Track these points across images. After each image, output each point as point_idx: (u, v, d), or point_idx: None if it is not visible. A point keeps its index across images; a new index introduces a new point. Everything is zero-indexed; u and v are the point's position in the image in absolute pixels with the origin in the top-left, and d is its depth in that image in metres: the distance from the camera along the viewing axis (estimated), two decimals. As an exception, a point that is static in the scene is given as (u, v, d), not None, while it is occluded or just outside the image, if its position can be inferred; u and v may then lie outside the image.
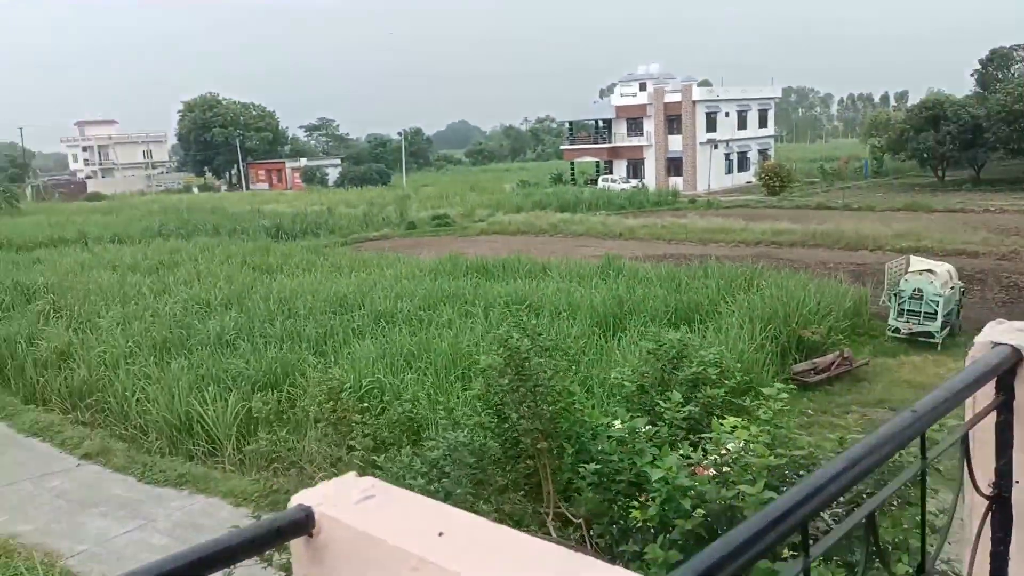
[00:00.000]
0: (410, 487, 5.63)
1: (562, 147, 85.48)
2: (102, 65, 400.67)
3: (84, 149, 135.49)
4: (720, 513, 4.80)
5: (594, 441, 5.66)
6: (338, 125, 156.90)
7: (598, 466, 5.32)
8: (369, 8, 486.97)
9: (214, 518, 11.59)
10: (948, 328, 21.74)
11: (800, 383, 18.70)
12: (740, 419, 6.30)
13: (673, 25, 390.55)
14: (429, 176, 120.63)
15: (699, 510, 4.55)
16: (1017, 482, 1.88)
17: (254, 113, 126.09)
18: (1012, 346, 1.85)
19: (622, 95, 74.28)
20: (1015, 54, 77.25)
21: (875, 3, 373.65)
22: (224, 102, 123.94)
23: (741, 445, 4.91)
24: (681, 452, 5.16)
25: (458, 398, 16.03)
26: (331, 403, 7.70)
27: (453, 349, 18.24)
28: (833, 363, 19.13)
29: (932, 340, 21.27)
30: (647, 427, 5.55)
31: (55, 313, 23.92)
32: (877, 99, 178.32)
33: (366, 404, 8.10)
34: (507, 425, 5.81)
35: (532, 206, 58.83)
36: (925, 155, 59.86)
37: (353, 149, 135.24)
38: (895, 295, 22.20)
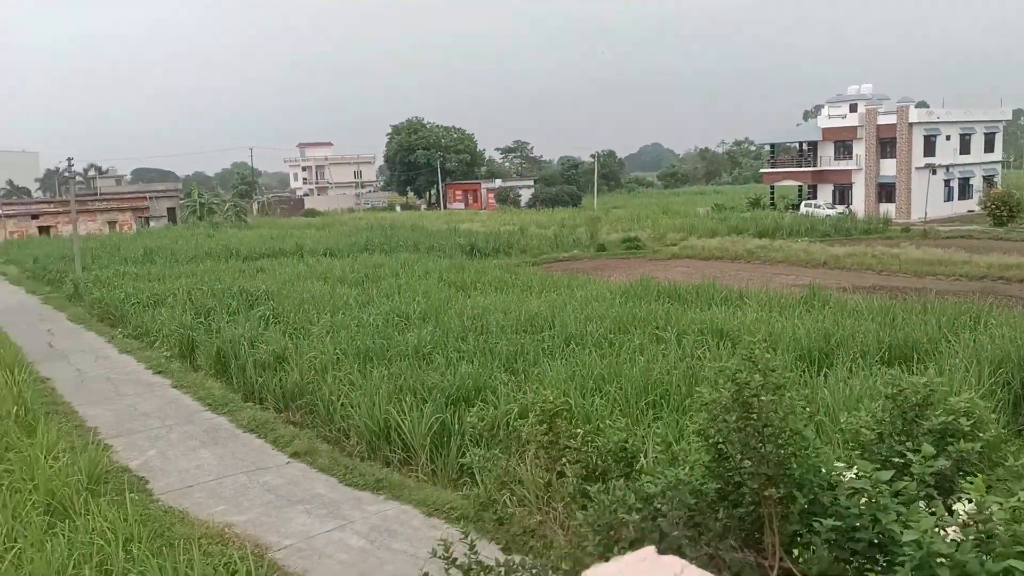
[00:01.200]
0: (623, 523, 5.36)
1: (762, 171, 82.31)
2: (320, 87, 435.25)
3: (303, 168, 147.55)
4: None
5: (830, 492, 5.10)
6: (532, 147, 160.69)
7: (837, 522, 4.77)
8: (560, 29, 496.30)
9: (407, 525, 11.88)
10: None
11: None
12: (997, 479, 5.50)
13: (884, 46, 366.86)
14: (620, 198, 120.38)
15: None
16: None
17: (454, 136, 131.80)
18: None
19: (830, 116, 70.47)
20: None
21: None
22: (428, 125, 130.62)
23: (1008, 509, 4.21)
24: (933, 511, 4.52)
25: (677, 437, 15.57)
26: (544, 425, 7.57)
27: (644, 375, 17.77)
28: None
29: None
30: (892, 481, 4.93)
31: (274, 319, 25.88)
32: None
33: (579, 430, 7.91)
34: (728, 466, 5.38)
35: (727, 231, 56.98)
36: None
37: (546, 171, 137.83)
38: None
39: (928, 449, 5.06)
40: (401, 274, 37.17)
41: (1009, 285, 33.37)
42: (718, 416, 5.42)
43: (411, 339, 21.84)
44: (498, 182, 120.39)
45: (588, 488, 5.82)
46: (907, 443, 5.52)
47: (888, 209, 63.44)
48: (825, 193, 69.91)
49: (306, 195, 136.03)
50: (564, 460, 6.37)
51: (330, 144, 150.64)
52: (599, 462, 6.35)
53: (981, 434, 5.76)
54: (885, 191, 65.59)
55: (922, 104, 70.56)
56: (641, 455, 6.14)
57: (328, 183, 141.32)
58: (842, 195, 68.73)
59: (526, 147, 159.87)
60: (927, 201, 62.33)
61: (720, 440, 5.35)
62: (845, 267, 40.99)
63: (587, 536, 5.33)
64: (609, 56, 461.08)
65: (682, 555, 5.42)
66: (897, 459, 5.43)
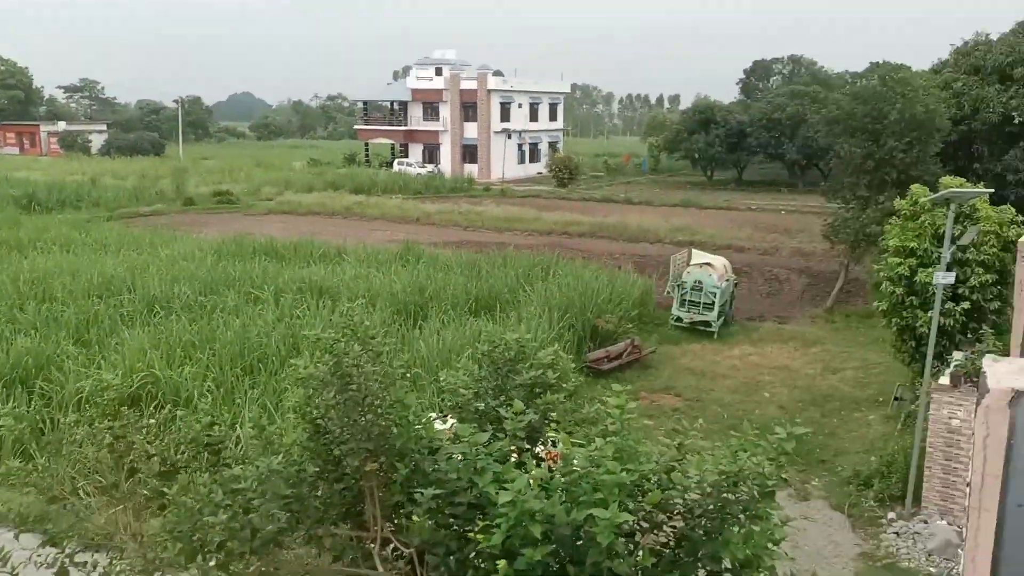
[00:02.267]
0: (211, 525, 4.77)
1: (356, 127, 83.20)
2: None
3: None
4: (570, 539, 4.44)
5: (432, 458, 5.07)
6: (103, 88, 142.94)
7: (438, 490, 4.74)
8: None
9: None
10: (723, 318, 23.33)
11: (594, 370, 19.20)
12: (581, 428, 5.99)
13: (470, 17, 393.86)
14: (210, 149, 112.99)
15: (544, 544, 4.15)
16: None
17: (1, 68, 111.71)
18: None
19: (418, 78, 73.53)
20: (774, 67, 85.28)
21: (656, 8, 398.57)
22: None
23: (589, 457, 4.57)
24: (525, 467, 4.73)
25: (276, 404, 14.70)
26: (104, 417, 6.43)
27: (240, 339, 16.85)
28: (625, 351, 19.82)
29: (710, 329, 22.71)
30: (489, 442, 5.05)
31: None
32: (653, 100, 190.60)
33: (152, 417, 6.85)
34: (328, 440, 5.08)
35: (324, 186, 56.72)
36: (696, 155, 64.49)
37: (122, 115, 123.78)
38: (678, 286, 23.46)
39: (518, 405, 5.32)
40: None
41: (572, 239, 38.15)
42: (316, 392, 5.10)
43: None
44: (62, 125, 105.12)
45: (166, 489, 5.12)
46: (501, 398, 5.77)
47: (472, 169, 68.55)
48: (416, 152, 73.14)
49: None
50: (131, 458, 5.55)
51: None
52: (178, 455, 5.67)
53: (565, 384, 6.26)
54: (469, 152, 70.69)
55: (498, 73, 77.09)
56: (230, 440, 5.61)
57: None
58: (431, 155, 72.52)
59: (96, 87, 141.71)
60: (504, 163, 68.53)
61: (318, 416, 5.06)
62: (436, 223, 43.35)
63: (166, 545, 4.70)
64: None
65: (278, 545, 5.12)
66: (493, 415, 5.65)
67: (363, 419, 4.91)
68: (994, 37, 31.45)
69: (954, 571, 11.70)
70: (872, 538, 12.58)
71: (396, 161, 71.18)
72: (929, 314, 14.23)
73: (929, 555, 12.01)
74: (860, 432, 16.51)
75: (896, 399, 17.37)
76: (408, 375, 5.97)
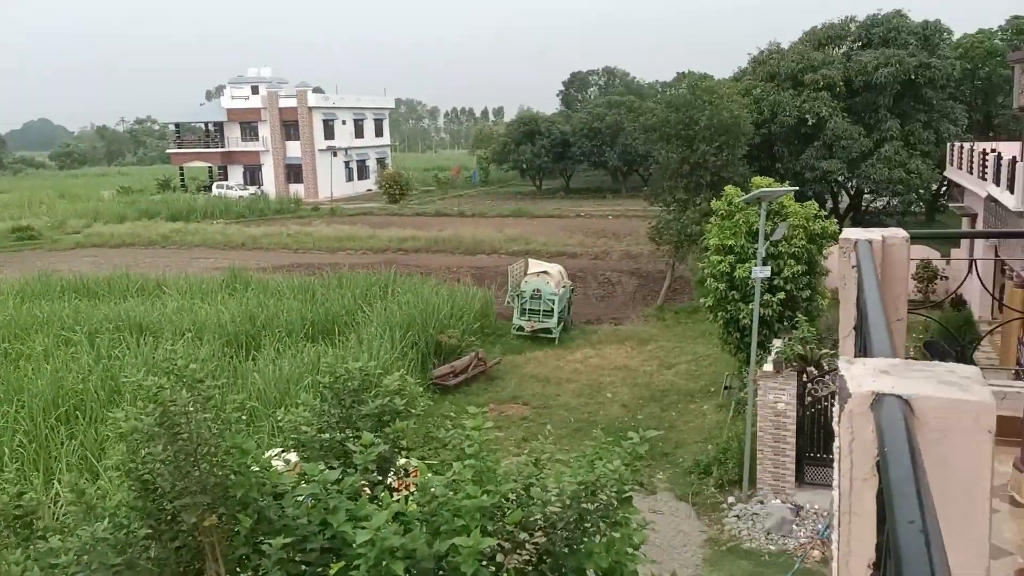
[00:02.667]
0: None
1: (169, 151, 78.65)
2: None
3: None
4: (433, 572, 4.25)
5: (278, 503, 4.70)
6: None
7: (286, 538, 4.39)
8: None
9: None
10: (563, 324, 23.88)
11: (441, 386, 19.06)
12: (433, 450, 5.80)
13: (284, 37, 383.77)
14: (5, 182, 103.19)
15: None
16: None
17: None
18: (902, 398, 1.51)
19: (233, 97, 70.57)
20: (590, 78, 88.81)
21: (471, 25, 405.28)
22: None
23: (447, 483, 4.39)
24: (379, 501, 4.48)
25: (98, 453, 13.50)
26: None
27: (53, 386, 15.36)
28: (470, 364, 19.81)
29: (551, 336, 23.17)
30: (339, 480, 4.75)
31: None
32: (479, 113, 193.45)
33: None
34: (157, 500, 4.60)
35: (138, 215, 53.22)
36: (524, 166, 65.94)
37: None
38: (517, 296, 23.78)
39: (367, 437, 5.06)
40: None
41: (407, 255, 37.81)
42: (141, 446, 4.62)
43: None
44: None
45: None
46: (348, 431, 5.48)
47: (298, 189, 66.53)
48: (236, 174, 70.11)
49: None
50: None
51: None
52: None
53: (413, 410, 6.04)
54: (294, 172, 68.56)
55: (319, 90, 75.40)
56: (45, 508, 4.96)
57: None
58: (253, 176, 69.77)
59: None
60: (332, 181, 67.07)
61: (146, 472, 4.58)
62: (263, 247, 41.68)
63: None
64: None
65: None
66: (340, 449, 5.35)
67: (197, 471, 4.48)
68: (787, 46, 34.32)
69: (790, 547, 12.47)
70: (716, 523, 13.20)
71: (215, 184, 67.96)
72: (751, 306, 15.18)
73: (768, 534, 12.74)
74: (697, 423, 17.34)
75: (726, 388, 18.40)
76: (243, 416, 5.55)
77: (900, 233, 3.90)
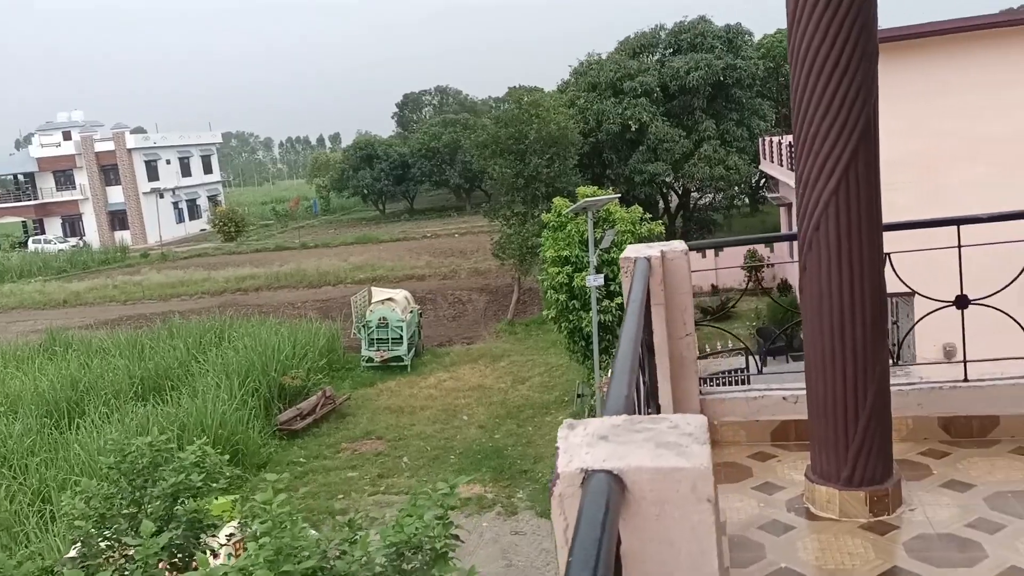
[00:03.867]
0: None
1: (-27, 207, 71.98)
2: None
3: None
4: None
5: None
6: None
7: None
8: None
9: None
10: (414, 350, 23.44)
11: (288, 431, 18.20)
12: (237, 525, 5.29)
13: (96, 72, 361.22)
14: None
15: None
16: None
17: None
18: (612, 473, 1.31)
19: (43, 145, 65.57)
20: (423, 99, 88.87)
21: (292, 51, 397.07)
22: None
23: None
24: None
25: None
26: None
27: None
28: (317, 405, 19.03)
29: (402, 363, 22.68)
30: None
31: None
32: (314, 141, 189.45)
33: None
34: None
35: (-60, 281, 48.22)
36: (365, 191, 64.94)
37: None
38: (364, 326, 23.16)
39: (147, 526, 4.49)
40: None
41: (247, 295, 36.17)
42: None
43: None
44: None
45: None
46: (139, 515, 4.88)
47: (124, 236, 62.47)
48: (54, 226, 65.07)
49: None
50: None
51: None
52: None
53: (213, 484, 5.47)
54: (118, 218, 64.38)
55: (139, 130, 71.30)
56: None
57: None
58: (73, 227, 64.99)
59: None
60: (160, 224, 63.44)
61: None
62: (88, 302, 38.75)
63: None
64: None
65: None
66: (128, 540, 4.76)
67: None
68: (604, 56, 35.48)
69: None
70: (578, 535, 13.19)
71: (31, 239, 62.79)
72: (591, 314, 15.38)
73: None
74: (554, 435, 17.26)
75: (579, 396, 18.59)
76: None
77: (679, 246, 3.85)
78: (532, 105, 27.58)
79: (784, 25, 3.01)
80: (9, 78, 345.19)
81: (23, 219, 66.59)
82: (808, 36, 2.80)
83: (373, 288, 25.59)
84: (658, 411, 3.50)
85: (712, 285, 27.00)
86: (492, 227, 31.02)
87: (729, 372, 15.02)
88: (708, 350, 19.49)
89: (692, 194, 36.36)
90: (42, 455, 15.52)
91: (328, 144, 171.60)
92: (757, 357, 4.60)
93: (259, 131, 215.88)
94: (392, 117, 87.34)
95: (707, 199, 36.62)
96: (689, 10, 37.35)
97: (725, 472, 3.58)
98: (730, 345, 15.88)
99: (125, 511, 4.96)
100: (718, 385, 15.83)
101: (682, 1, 45.90)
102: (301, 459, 17.01)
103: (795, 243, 3.11)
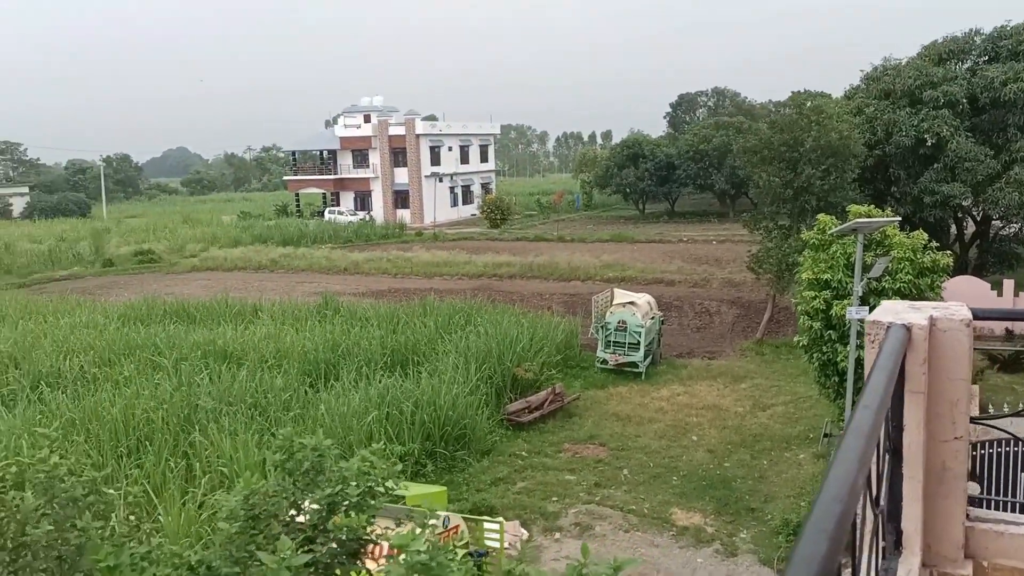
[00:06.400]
0: None
1: (286, 178, 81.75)
2: None
3: None
4: None
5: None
6: (26, 149, 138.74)
7: None
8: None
9: None
10: (651, 357, 22.66)
11: (514, 423, 18.31)
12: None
13: (395, 67, 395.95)
14: (139, 206, 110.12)
15: None
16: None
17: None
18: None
19: (346, 126, 72.67)
20: (699, 99, 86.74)
21: (577, 54, 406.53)
22: None
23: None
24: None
25: (160, 486, 13.45)
26: None
27: (125, 414, 15.53)
28: (546, 400, 18.96)
29: (637, 370, 22.02)
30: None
31: None
32: (587, 137, 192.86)
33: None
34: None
35: (252, 239, 55.20)
36: (627, 190, 64.68)
37: (47, 177, 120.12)
38: (602, 327, 22.78)
39: (284, 543, 4.19)
40: None
41: (501, 281, 37.41)
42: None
43: None
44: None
45: None
46: (292, 522, 4.74)
47: (404, 215, 67.63)
48: (347, 200, 72.01)
49: None
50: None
51: None
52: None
53: (372, 500, 5.13)
54: (400, 198, 69.81)
55: (430, 118, 76.64)
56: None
57: None
58: (363, 202, 71.46)
59: (18, 148, 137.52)
60: (436, 207, 67.83)
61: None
62: (364, 272, 42.24)
63: None
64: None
65: None
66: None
67: None
68: (904, 61, 31.98)
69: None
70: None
71: (327, 210, 69.97)
72: (848, 348, 13.74)
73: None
74: (791, 473, 15.87)
75: (825, 435, 16.85)
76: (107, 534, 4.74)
77: (958, 313, 2.70)
78: (814, 111, 25.49)
79: None
80: (321, 67, 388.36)
81: (323, 191, 74.37)
82: None
83: (616, 289, 25.12)
84: (898, 541, 2.57)
85: (1007, 329, 23.37)
86: (752, 238, 29.21)
87: (1016, 441, 12.63)
88: (991, 409, 16.77)
89: (994, 222, 31.81)
90: (295, 411, 16.82)
91: (599, 140, 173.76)
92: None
93: (537, 125, 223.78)
94: (664, 117, 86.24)
95: (1012, 229, 31.85)
96: (1014, 14, 32.56)
97: None
98: (1021, 406, 13.43)
99: (283, 516, 4.84)
100: (997, 465, 13.35)
101: (1007, 3, 40.23)
102: (523, 452, 17.02)
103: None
